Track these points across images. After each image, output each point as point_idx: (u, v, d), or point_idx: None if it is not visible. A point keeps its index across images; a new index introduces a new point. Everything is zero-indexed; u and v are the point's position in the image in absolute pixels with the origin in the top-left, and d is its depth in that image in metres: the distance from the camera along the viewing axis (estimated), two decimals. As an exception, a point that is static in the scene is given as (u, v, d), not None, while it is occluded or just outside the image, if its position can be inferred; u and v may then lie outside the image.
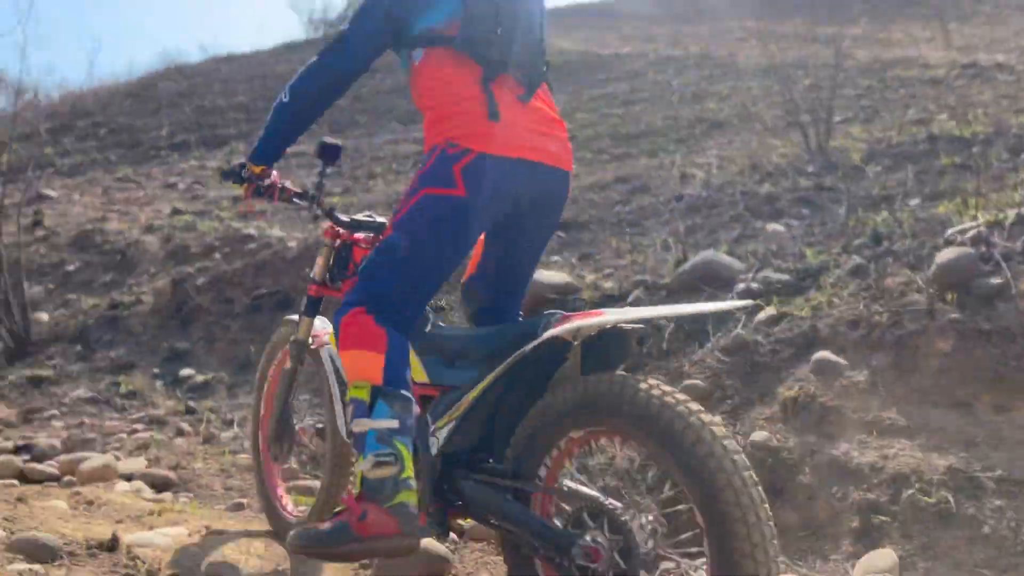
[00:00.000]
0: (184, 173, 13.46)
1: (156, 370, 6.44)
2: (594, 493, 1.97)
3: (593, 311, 2.04)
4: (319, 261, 2.81)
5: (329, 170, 2.84)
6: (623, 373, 1.91)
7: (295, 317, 2.90)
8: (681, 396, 1.75)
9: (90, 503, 3.64)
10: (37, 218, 10.35)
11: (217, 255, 8.04)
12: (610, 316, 1.94)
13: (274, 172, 2.65)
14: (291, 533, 2.03)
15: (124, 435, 5.30)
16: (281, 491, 3.14)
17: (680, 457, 1.66)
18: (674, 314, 2.69)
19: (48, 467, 4.65)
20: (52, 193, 12.25)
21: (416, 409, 2.05)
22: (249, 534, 3.09)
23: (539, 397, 2.01)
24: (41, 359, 6.83)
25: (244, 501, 4.05)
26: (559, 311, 2.04)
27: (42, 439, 5.23)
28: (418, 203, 2.13)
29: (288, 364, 2.91)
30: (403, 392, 2.01)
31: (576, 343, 2.02)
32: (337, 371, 2.69)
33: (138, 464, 4.60)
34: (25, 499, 3.35)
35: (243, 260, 7.71)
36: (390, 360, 2.01)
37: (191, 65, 26.26)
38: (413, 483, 1.94)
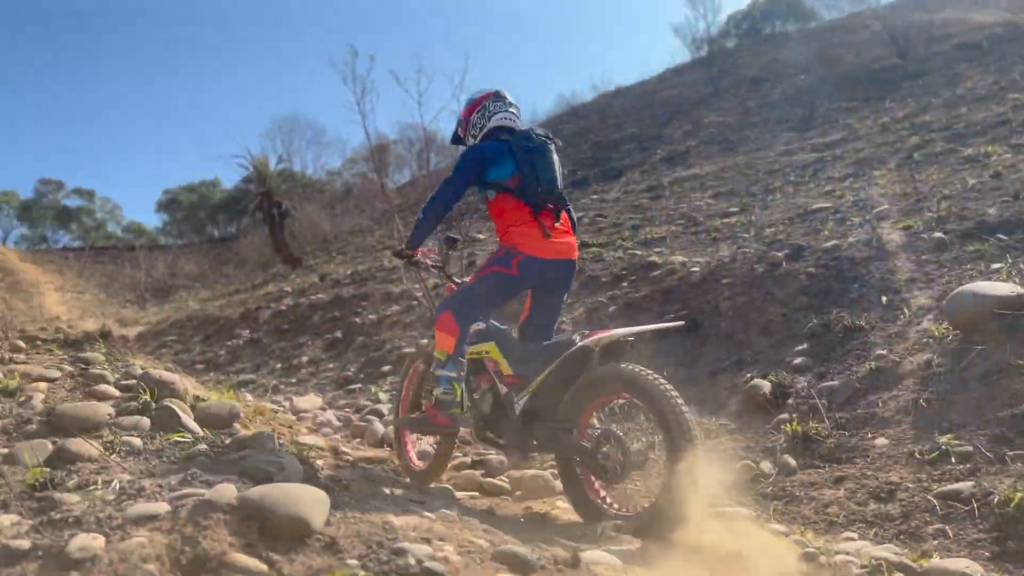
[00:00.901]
0: (586, 208, 14.37)
1: (579, 394, 6.89)
2: (606, 427, 3.70)
3: (602, 330, 3.94)
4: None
5: (452, 252, 4.58)
6: (623, 363, 3.63)
7: (421, 345, 4.93)
8: (648, 371, 3.49)
9: (541, 518, 4.04)
10: (470, 259, 11.83)
11: (625, 283, 8.43)
12: (617, 332, 3.81)
13: (419, 252, 4.46)
14: (396, 419, 4.75)
15: (550, 457, 5.77)
16: (410, 447, 4.76)
17: (647, 399, 3.41)
18: (642, 330, 4.07)
19: (500, 481, 5.23)
20: (480, 235, 13.91)
21: (464, 368, 4.02)
22: (689, 559, 3.18)
23: (576, 380, 3.74)
24: (484, 384, 7.72)
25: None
26: (584, 331, 3.92)
27: (492, 455, 5.91)
28: (491, 272, 4.03)
29: (422, 368, 4.67)
30: (461, 360, 3.97)
31: (597, 349, 3.78)
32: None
33: (573, 483, 4.97)
34: (493, 511, 3.83)
35: (650, 287, 7.99)
36: (459, 342, 3.94)
37: (585, 104, 28.08)
38: (460, 403, 3.94)
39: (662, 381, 3.38)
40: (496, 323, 4.32)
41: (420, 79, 18.48)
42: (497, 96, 4.40)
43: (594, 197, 15.27)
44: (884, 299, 6.36)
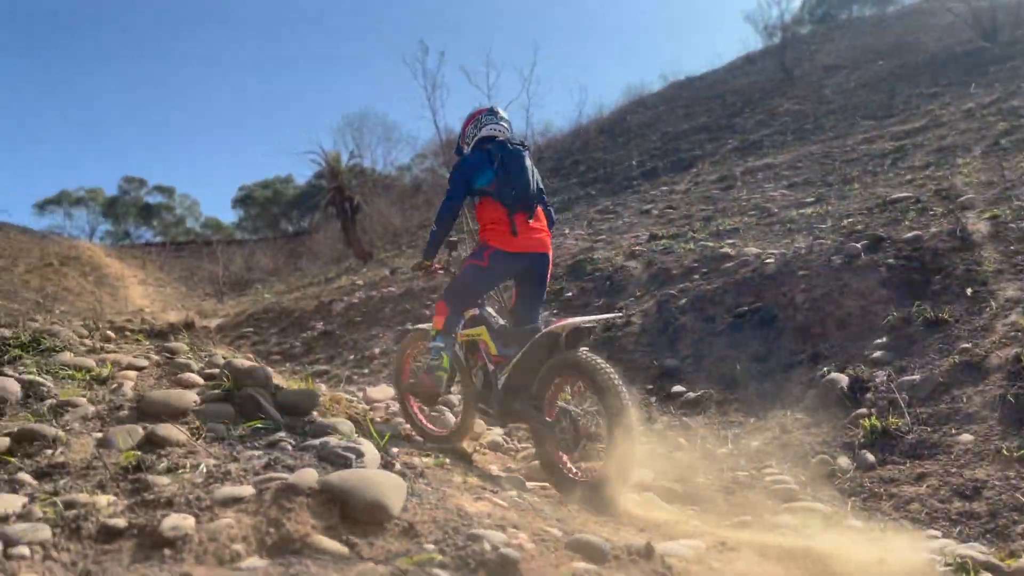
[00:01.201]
0: (656, 199, 14.22)
1: (649, 386, 6.85)
2: (566, 406, 4.26)
3: (568, 318, 4.55)
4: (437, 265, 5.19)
5: (453, 253, 5.22)
6: (583, 350, 4.17)
7: (421, 327, 5.39)
8: (592, 356, 4.06)
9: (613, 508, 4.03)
10: (539, 252, 11.84)
11: (696, 276, 8.33)
12: (576, 320, 4.32)
13: (436, 261, 5.06)
14: (397, 387, 5.34)
15: (628, 447, 5.75)
16: (418, 412, 5.23)
17: (587, 377, 4.01)
18: (598, 319, 4.81)
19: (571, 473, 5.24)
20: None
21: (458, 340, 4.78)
22: (763, 553, 3.14)
23: (545, 361, 4.31)
24: (553, 376, 7.73)
25: (748, 519, 4.11)
26: (553, 318, 5.27)
27: (562, 448, 5.93)
28: (468, 265, 4.65)
29: (422, 346, 5.20)
30: (451, 335, 4.64)
31: (563, 334, 4.26)
32: (462, 353, 4.92)
33: (646, 475, 4.95)
34: (564, 503, 3.84)
35: (722, 279, 7.87)
36: (447, 322, 4.62)
37: (654, 94, 27.77)
38: (445, 370, 4.54)
39: (601, 362, 4.02)
40: (489, 310, 5.03)
41: (489, 73, 18.49)
42: (490, 111, 5.01)
43: (663, 188, 15.10)
44: (969, 291, 6.14)
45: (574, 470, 4.20)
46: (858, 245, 7.37)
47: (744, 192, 12.61)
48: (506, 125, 4.95)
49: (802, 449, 5.13)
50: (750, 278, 7.62)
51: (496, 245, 4.52)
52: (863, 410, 5.29)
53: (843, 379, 5.69)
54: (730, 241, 9.26)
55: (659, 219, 12.35)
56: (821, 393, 5.70)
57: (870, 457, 4.75)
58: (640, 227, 12.06)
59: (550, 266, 4.74)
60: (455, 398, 5.86)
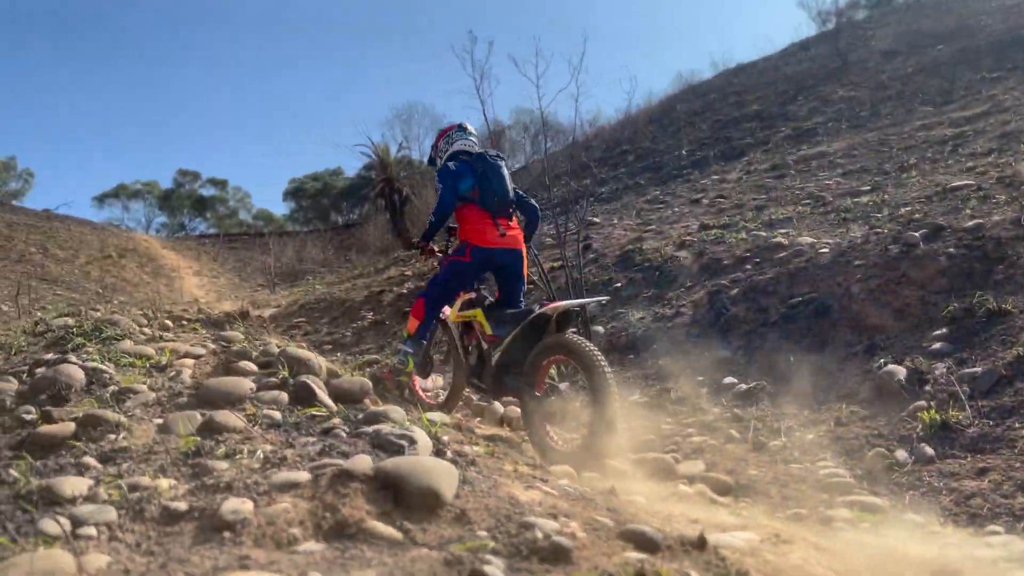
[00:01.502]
0: (706, 188, 14.04)
1: (700, 377, 6.78)
2: (553, 382, 4.88)
3: (558, 301, 5.44)
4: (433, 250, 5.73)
5: (452, 239, 5.65)
6: (571, 332, 4.79)
7: None
8: (580, 338, 4.56)
9: (663, 500, 4.01)
10: (586, 242, 11.79)
11: (748, 266, 8.21)
12: (566, 303, 4.85)
13: (433, 244, 5.60)
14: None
15: (679, 438, 5.71)
16: (419, 390, 5.60)
17: (575, 356, 4.38)
18: (585, 302, 5.70)
19: (620, 463, 5.22)
20: (596, 219, 13.84)
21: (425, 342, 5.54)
22: (819, 546, 3.09)
23: (537, 342, 4.73)
24: (602, 367, 7.69)
25: (803, 512, 4.05)
26: (545, 301, 5.76)
27: (611, 438, 5.91)
28: (451, 261, 5.29)
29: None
30: (421, 341, 5.41)
31: (554, 316, 4.74)
32: (457, 333, 5.51)
33: (697, 467, 4.91)
34: (615, 493, 3.83)
35: (775, 269, 7.75)
36: (421, 326, 5.28)
37: (704, 82, 27.40)
38: (408, 375, 5.27)
39: (588, 344, 4.46)
40: (485, 293, 5.52)
41: (538, 62, 18.38)
42: (460, 127, 5.68)
43: (714, 178, 14.90)
44: (1034, 281, 5.95)
45: (559, 441, 4.65)
46: (916, 234, 7.19)
47: (797, 181, 12.38)
48: (475, 140, 5.65)
49: (858, 442, 5.03)
50: (804, 268, 7.49)
51: (476, 242, 5.19)
52: (922, 403, 5.17)
53: (901, 371, 5.57)
54: (783, 230, 9.10)
55: (710, 208, 12.20)
56: (877, 385, 5.59)
57: (929, 451, 4.64)
58: (690, 217, 11.93)
59: (525, 262, 5.36)
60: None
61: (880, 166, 11.61)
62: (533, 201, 5.68)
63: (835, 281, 7.05)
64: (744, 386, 6.33)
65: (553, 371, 5.08)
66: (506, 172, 5.37)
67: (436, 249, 5.67)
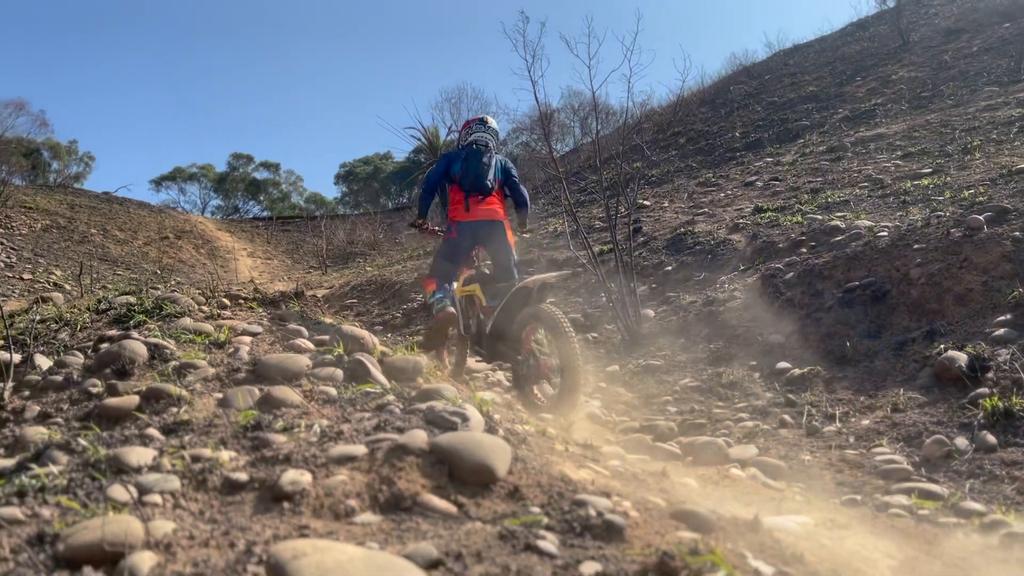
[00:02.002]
0: (760, 171, 13.80)
1: (753, 362, 6.69)
2: (533, 347, 5.49)
3: (538, 275, 5.65)
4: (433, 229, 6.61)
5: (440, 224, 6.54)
6: (548, 302, 5.46)
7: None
8: (550, 308, 5.25)
9: (715, 483, 3.98)
10: (636, 225, 11.71)
11: (804, 249, 8.06)
12: (543, 276, 5.56)
13: (428, 223, 6.46)
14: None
15: (730, 422, 5.65)
16: (445, 356, 6.36)
17: (544, 323, 5.17)
18: (559, 275, 6.27)
19: (670, 446, 5.20)
20: (646, 202, 13.71)
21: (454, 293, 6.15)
22: (876, 531, 3.04)
23: (520, 311, 5.45)
24: (652, 350, 7.65)
25: (858, 498, 3.99)
26: (526, 276, 5.67)
27: (660, 421, 5.88)
28: (444, 239, 6.10)
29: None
30: (445, 286, 5.99)
31: (533, 287, 5.49)
32: (461, 307, 6.20)
33: (749, 452, 4.86)
34: (666, 474, 3.81)
35: (831, 252, 7.60)
36: (437, 287, 5.98)
37: (759, 63, 26.87)
38: (447, 305, 5.87)
39: (559, 314, 5.15)
40: (484, 270, 6.33)
41: (590, 43, 18.24)
42: (481, 120, 6.48)
43: (768, 160, 14.64)
44: (1105, 266, 5.73)
45: (540, 397, 5.51)
46: (980, 217, 6.97)
47: (855, 163, 12.10)
48: (491, 134, 6.42)
49: (916, 429, 4.92)
50: (861, 252, 7.33)
51: (456, 218, 6.06)
52: (983, 390, 5.03)
53: (962, 357, 5.42)
54: (840, 214, 8.91)
55: (764, 191, 12.00)
56: (937, 372, 5.45)
57: (991, 438, 4.51)
58: (743, 199, 11.75)
59: (507, 232, 6.09)
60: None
61: (942, 148, 11.28)
62: (524, 189, 6.42)
63: (894, 265, 6.88)
64: (798, 371, 6.24)
65: (541, 336, 5.59)
66: (488, 160, 6.18)
67: (433, 228, 6.56)
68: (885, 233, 7.47)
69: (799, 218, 9.17)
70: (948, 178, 9.26)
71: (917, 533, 3.10)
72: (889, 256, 7.02)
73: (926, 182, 9.42)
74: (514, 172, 6.34)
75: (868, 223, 8.02)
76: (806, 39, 27.79)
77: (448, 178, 6.17)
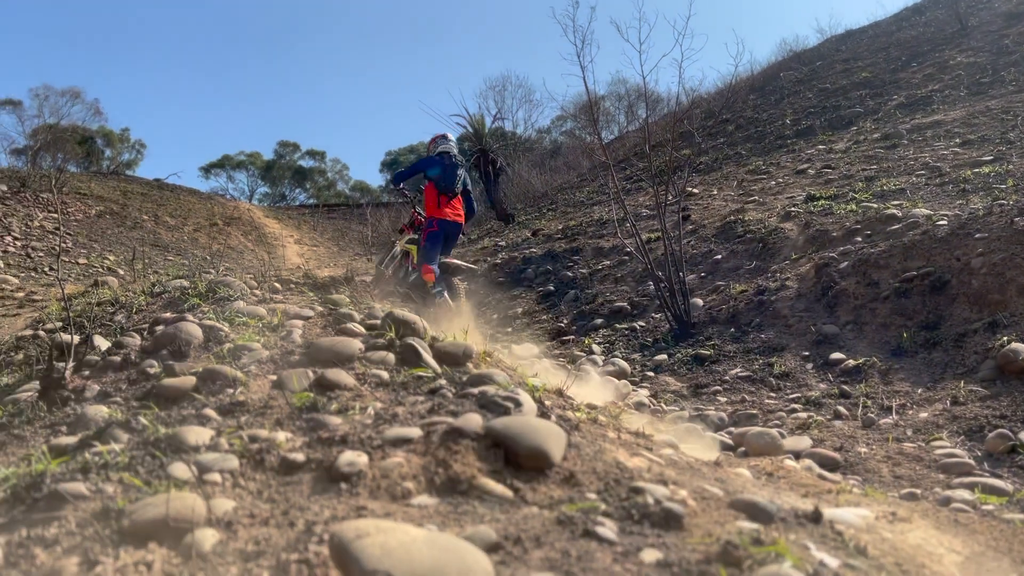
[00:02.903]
0: (812, 158, 13.53)
1: (805, 353, 6.57)
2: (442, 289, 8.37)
3: (456, 260, 8.83)
4: (407, 226, 8.87)
5: (413, 224, 8.74)
6: (457, 274, 8.62)
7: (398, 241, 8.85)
8: (457, 281, 8.56)
9: (769, 474, 3.90)
10: (685, 213, 11.56)
11: (859, 238, 7.88)
12: (457, 261, 8.66)
13: (406, 225, 9.16)
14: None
15: (783, 413, 5.55)
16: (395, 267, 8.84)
17: (448, 281, 8.33)
18: (468, 267, 9.05)
19: (722, 436, 5.13)
20: (694, 190, 13.54)
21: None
22: (939, 525, 2.95)
23: (443, 273, 8.34)
24: (701, 340, 7.55)
25: (917, 492, 3.89)
26: (446, 258, 8.53)
27: (711, 411, 5.80)
28: (429, 233, 8.00)
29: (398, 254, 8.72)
30: (440, 280, 8.16)
31: (450, 265, 8.39)
32: (400, 256, 8.49)
33: (803, 443, 4.77)
34: (721, 464, 3.75)
35: (888, 242, 7.41)
36: (435, 282, 7.96)
37: (810, 50, 26.34)
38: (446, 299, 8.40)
39: (457, 281, 7.91)
40: (416, 236, 8.32)
41: (641, 27, 18.02)
42: (444, 137, 8.51)
43: (820, 147, 14.35)
44: None
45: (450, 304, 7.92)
46: (1046, 205, 6.74)
47: (911, 151, 11.79)
48: (453, 145, 8.46)
49: (977, 422, 4.78)
50: (919, 241, 7.13)
51: (436, 216, 7.95)
52: (1049, 383, 4.88)
53: (1025, 349, 5.25)
54: (896, 202, 8.69)
55: (816, 179, 11.76)
56: (1000, 364, 5.29)
57: (1058, 434, 4.37)
58: (795, 187, 11.53)
59: (463, 230, 8.42)
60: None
61: (1003, 135, 10.93)
62: (473, 199, 8.48)
63: (953, 255, 6.68)
64: (852, 362, 6.10)
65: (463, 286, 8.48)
66: (460, 173, 8.18)
67: (408, 228, 8.71)
68: (944, 222, 7.26)
69: (853, 206, 8.96)
70: (1010, 166, 8.97)
71: (982, 529, 3.00)
72: (948, 245, 6.82)
73: (987, 170, 9.14)
74: (470, 185, 8.45)
75: (926, 212, 7.80)
76: (859, 24, 27.13)
77: (426, 176, 8.11)
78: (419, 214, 8.50)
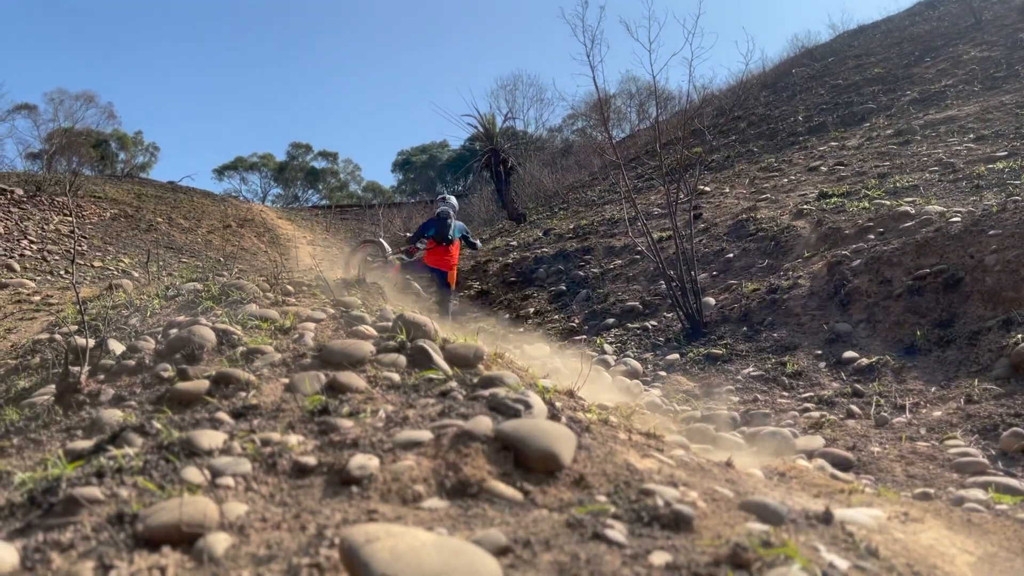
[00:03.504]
0: (825, 155, 13.47)
1: (818, 351, 6.54)
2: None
3: (399, 260, 11.19)
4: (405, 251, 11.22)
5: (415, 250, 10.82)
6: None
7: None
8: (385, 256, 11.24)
9: (781, 474, 3.89)
10: (697, 212, 11.53)
11: (871, 235, 7.84)
12: (388, 249, 11.76)
13: (416, 247, 10.91)
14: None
15: (795, 412, 5.54)
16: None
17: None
18: (395, 254, 11.46)
19: (734, 436, 5.12)
20: (706, 188, 13.50)
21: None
22: (952, 525, 2.93)
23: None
24: (713, 339, 7.54)
25: (930, 491, 3.87)
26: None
27: (723, 411, 5.79)
28: (420, 261, 10.47)
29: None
30: (412, 265, 11.31)
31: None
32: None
33: (815, 442, 4.76)
34: (732, 465, 3.74)
35: (901, 239, 7.37)
36: (402, 269, 10.48)
37: (822, 46, 26.20)
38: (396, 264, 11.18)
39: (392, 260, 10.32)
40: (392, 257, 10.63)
41: (651, 26, 17.99)
42: (443, 198, 10.44)
43: (833, 144, 14.27)
44: None
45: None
46: (1061, 202, 6.69)
47: (924, 147, 11.71)
48: (449, 205, 10.36)
49: (991, 421, 4.76)
50: (932, 238, 7.09)
51: (428, 263, 9.90)
52: (1065, 381, 4.84)
53: (1042, 347, 5.22)
54: (909, 199, 8.64)
55: (829, 176, 11.71)
56: (1015, 362, 5.26)
57: (1073, 432, 4.34)
58: (808, 185, 11.48)
59: (451, 274, 10.22)
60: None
61: (1018, 130, 10.85)
62: (476, 241, 10.90)
63: (967, 252, 6.64)
64: (865, 360, 6.07)
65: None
66: (451, 224, 10.10)
67: (413, 251, 10.48)
68: (958, 219, 7.21)
69: (866, 204, 8.92)
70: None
71: (996, 528, 2.99)
72: (962, 242, 6.78)
73: (1001, 165, 9.07)
74: (468, 232, 10.57)
75: (939, 208, 7.75)
76: (871, 19, 26.96)
77: (425, 236, 10.20)
78: (417, 248, 10.69)
